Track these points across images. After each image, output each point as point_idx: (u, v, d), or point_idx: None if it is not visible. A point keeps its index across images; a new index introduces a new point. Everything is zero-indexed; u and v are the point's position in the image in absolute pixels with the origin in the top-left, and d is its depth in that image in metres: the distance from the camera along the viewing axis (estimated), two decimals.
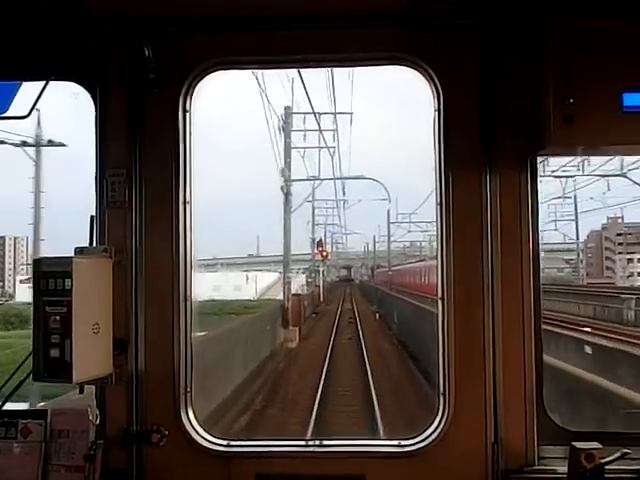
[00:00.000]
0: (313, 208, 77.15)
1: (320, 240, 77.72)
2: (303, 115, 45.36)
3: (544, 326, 4.18)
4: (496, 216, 4.09)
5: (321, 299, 78.80)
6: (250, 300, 61.84)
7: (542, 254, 4.27)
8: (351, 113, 48.72)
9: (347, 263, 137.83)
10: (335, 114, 47.11)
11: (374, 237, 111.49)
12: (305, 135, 46.49)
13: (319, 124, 46.19)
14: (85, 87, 4.31)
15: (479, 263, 4.08)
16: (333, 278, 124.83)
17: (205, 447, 4.19)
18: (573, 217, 64.72)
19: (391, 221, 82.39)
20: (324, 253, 77.56)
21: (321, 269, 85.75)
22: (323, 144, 49.07)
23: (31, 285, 3.85)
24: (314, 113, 44.54)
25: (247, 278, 78.86)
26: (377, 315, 59.51)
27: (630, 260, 75.07)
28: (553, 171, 45.54)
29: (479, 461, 4.04)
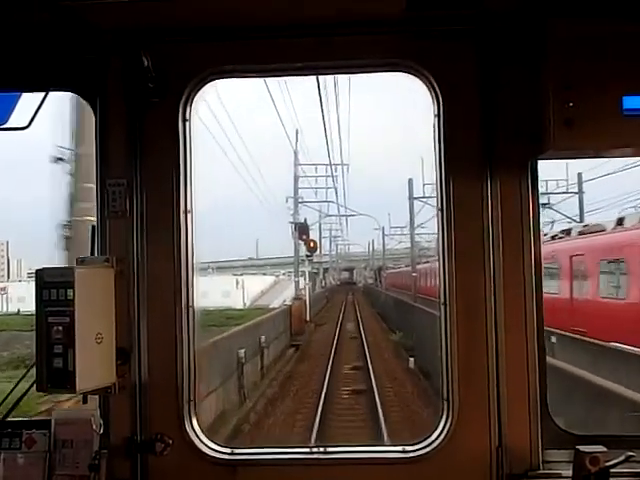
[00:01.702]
0: (296, 177, 55.62)
1: (304, 224, 52.88)
2: None
3: None
4: (497, 221, 4.09)
5: (307, 317, 48.63)
6: (233, 309, 49.72)
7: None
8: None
9: (349, 265, 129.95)
10: None
11: (382, 229, 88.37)
12: None
13: None
14: (85, 97, 4.32)
15: (481, 268, 4.08)
16: (332, 281, 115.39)
17: (209, 455, 4.19)
18: None
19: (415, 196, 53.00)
20: (311, 244, 51.30)
21: (306, 270, 56.19)
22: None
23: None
24: None
25: (237, 283, 66.36)
26: (411, 361, 29.75)
27: None
28: None
29: (483, 466, 4.04)
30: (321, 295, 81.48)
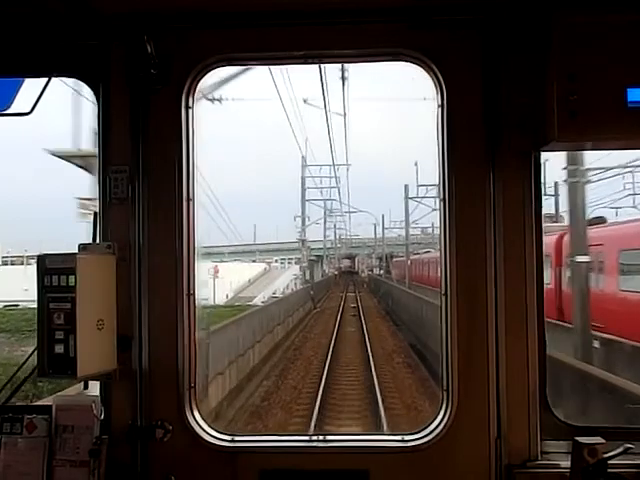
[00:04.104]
0: None
1: None
2: None
3: None
4: (500, 212, 4.09)
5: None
6: (206, 306, 36.37)
7: None
8: None
9: (350, 252, 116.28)
10: None
11: (406, 188, 61.14)
12: None
13: None
14: (88, 83, 4.30)
15: (483, 258, 4.09)
16: (329, 271, 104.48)
17: (209, 442, 4.20)
18: None
19: None
20: None
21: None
22: None
23: None
24: None
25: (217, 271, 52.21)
26: None
27: None
28: None
29: (482, 456, 4.07)
30: (305, 295, 58.82)
